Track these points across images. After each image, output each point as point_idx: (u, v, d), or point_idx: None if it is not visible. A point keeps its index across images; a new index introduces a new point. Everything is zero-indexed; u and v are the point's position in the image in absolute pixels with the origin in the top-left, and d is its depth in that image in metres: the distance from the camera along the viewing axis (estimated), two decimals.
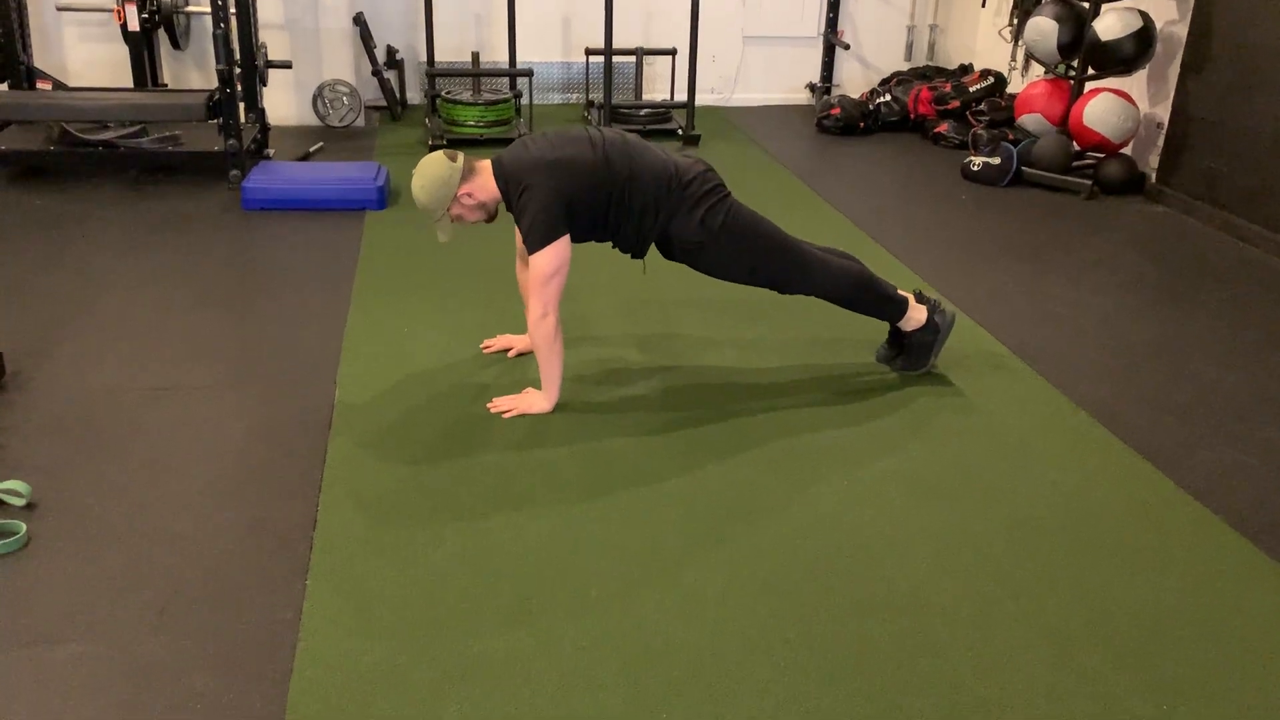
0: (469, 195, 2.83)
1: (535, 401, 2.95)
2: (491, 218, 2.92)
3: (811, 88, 7.12)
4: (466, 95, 5.85)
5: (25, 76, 5.04)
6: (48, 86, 5.22)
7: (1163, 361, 3.40)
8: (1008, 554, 2.40)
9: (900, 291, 3.21)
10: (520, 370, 3.20)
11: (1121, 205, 5.07)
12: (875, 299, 3.10)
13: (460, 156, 2.84)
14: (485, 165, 2.86)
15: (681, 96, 6.56)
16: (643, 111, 6.20)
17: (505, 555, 2.34)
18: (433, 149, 5.48)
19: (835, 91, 7.05)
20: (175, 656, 2.01)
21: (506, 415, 2.92)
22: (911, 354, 3.22)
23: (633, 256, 2.99)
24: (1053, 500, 2.61)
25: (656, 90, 6.87)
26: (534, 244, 2.77)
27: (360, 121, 6.17)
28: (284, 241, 4.26)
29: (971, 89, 6.13)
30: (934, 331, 3.16)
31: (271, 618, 2.11)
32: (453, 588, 2.22)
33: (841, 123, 6.33)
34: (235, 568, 2.27)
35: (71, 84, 5.62)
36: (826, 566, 2.33)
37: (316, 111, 6.08)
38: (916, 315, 3.16)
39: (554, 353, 2.87)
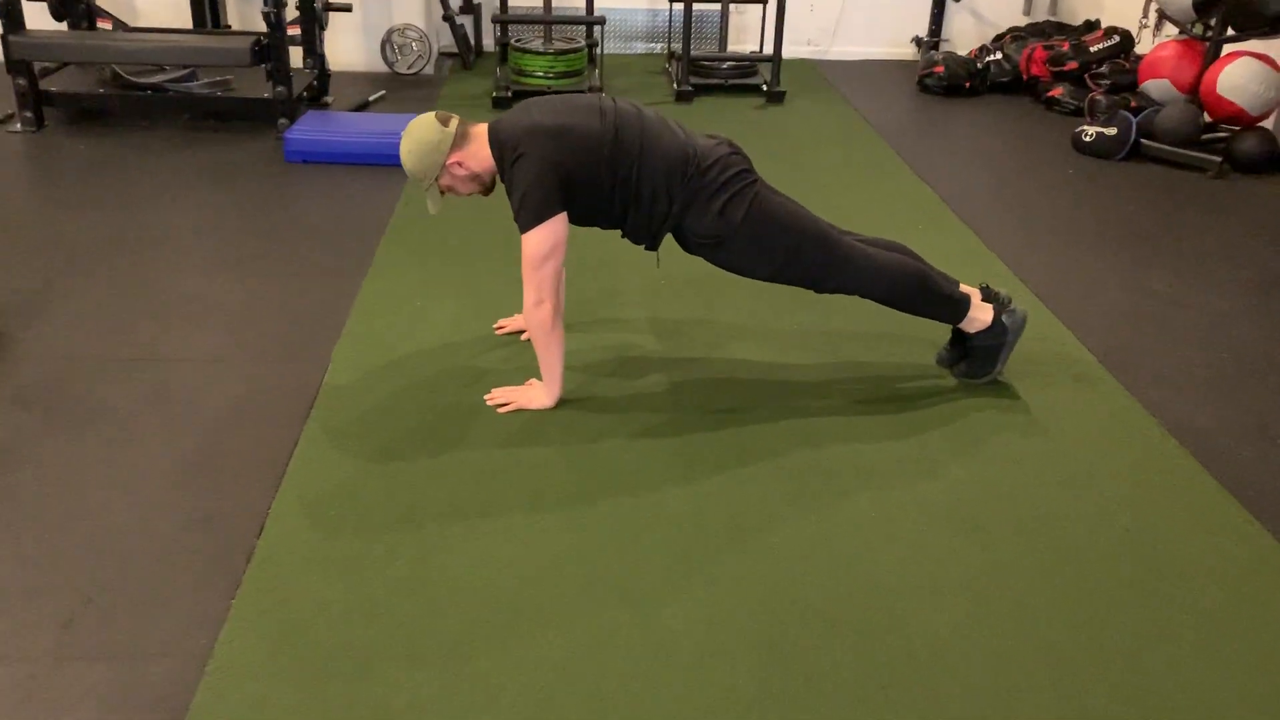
0: (460, 164, 2.52)
1: (535, 396, 2.64)
2: (488, 190, 2.61)
3: (917, 42, 6.57)
4: (538, 43, 5.52)
5: (84, 15, 4.92)
6: (108, 26, 5.10)
7: None
8: (1054, 616, 2.00)
9: (963, 288, 2.79)
10: (530, 356, 2.87)
11: (1255, 187, 4.45)
12: (929, 299, 2.69)
13: (454, 120, 2.53)
14: (481, 131, 2.54)
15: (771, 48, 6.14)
16: (725, 64, 5.77)
17: (462, 577, 2.05)
18: (496, 101, 5.22)
19: (944, 47, 6.48)
20: (64, 686, 1.79)
21: (502, 410, 2.62)
22: (974, 360, 2.80)
23: (646, 248, 2.65)
24: (1119, 552, 2.19)
25: (746, 42, 6.43)
26: (525, 221, 2.45)
27: (430, 69, 5.91)
28: (318, 197, 4.04)
29: (1092, 49, 5.51)
30: (1001, 335, 2.73)
31: (184, 644, 1.87)
32: (394, 615, 1.95)
33: (945, 82, 5.79)
34: (162, 577, 2.04)
35: (136, 24, 5.50)
36: (832, 617, 1.98)
37: (384, 58, 5.84)
38: (980, 316, 2.73)
39: (552, 343, 2.56)
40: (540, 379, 2.65)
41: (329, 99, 5.23)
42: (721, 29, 5.99)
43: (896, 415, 2.66)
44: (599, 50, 5.78)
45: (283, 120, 4.60)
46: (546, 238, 2.46)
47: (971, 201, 4.17)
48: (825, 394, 2.75)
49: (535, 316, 2.52)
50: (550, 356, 2.59)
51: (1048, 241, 3.81)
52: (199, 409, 2.59)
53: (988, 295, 2.83)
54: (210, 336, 2.95)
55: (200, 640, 1.88)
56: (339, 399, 2.65)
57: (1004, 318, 2.73)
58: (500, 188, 2.58)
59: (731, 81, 5.73)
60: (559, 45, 5.52)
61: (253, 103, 4.69)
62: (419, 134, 2.51)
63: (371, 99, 5.27)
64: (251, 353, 2.87)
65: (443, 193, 2.59)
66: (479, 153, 2.53)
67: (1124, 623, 1.99)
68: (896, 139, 4.97)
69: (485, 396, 2.67)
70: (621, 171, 2.49)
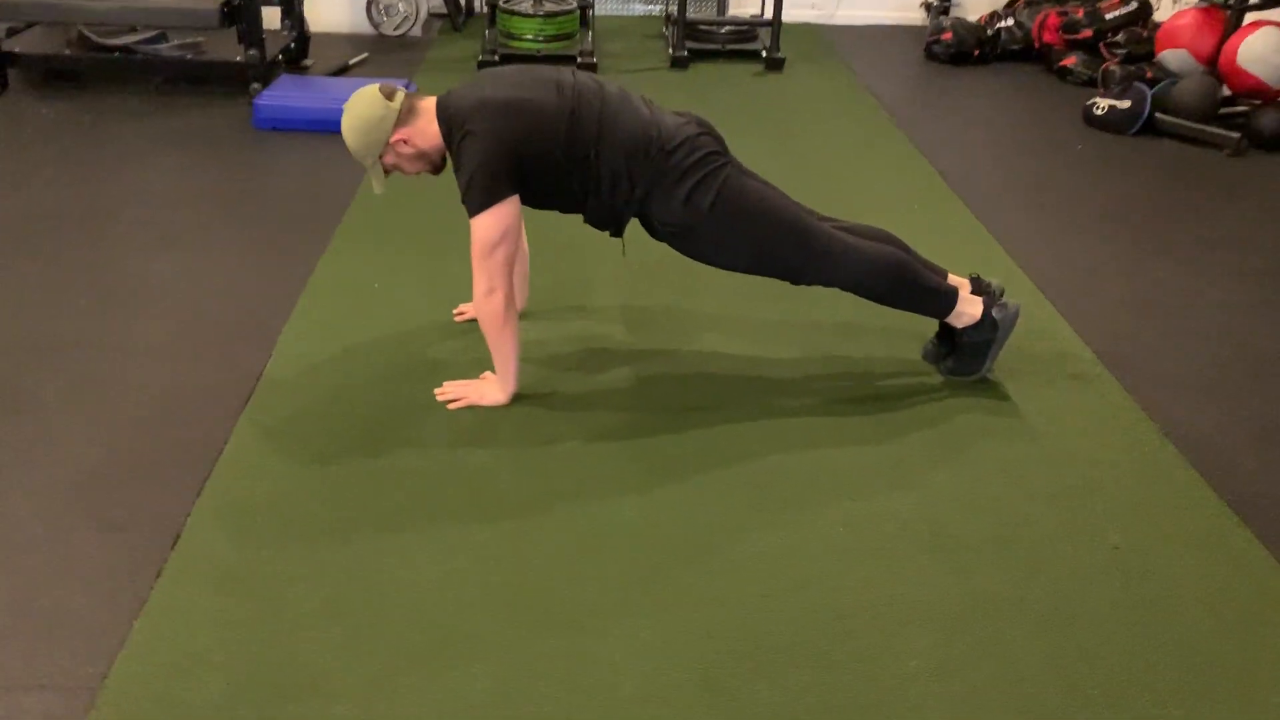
0: (405, 142, 2.33)
1: (488, 391, 2.47)
2: (437, 169, 2.42)
3: (927, 7, 6.29)
4: (527, 5, 5.29)
5: None
6: None
7: None
8: (1031, 651, 1.83)
9: (951, 279, 2.60)
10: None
11: (1274, 166, 4.21)
12: (914, 292, 2.50)
13: (399, 95, 2.33)
14: (429, 106, 2.35)
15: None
16: (724, 29, 5.53)
17: (389, 599, 1.89)
18: (482, 65, 5.00)
19: (954, 13, 6.20)
20: None
21: (453, 406, 2.45)
22: (962, 356, 2.61)
23: (610, 235, 2.46)
24: (1106, 575, 2.02)
25: (747, 5, 6.17)
26: (472, 205, 2.26)
27: (417, 31, 5.68)
28: (285, 167, 3.86)
29: (1108, 16, 5.24)
30: (990, 330, 2.54)
31: (73, 675, 1.72)
32: (311, 643, 1.80)
33: (953, 49, 5.53)
34: (60, 595, 1.88)
35: None
36: (789, 648, 1.82)
37: (370, 19, 5.62)
38: (969, 310, 2.54)
39: (505, 336, 2.38)
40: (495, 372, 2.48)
41: (309, 62, 5.02)
42: None
43: (875, 416, 2.48)
44: (591, 12, 5.54)
45: (255, 85, 4.40)
46: (496, 223, 2.27)
47: (971, 178, 3.95)
48: (800, 392, 2.57)
49: (486, 307, 2.34)
50: (504, 350, 2.41)
51: (1050, 224, 3.60)
52: (126, 403, 2.43)
53: (978, 287, 2.64)
54: (150, 322, 2.78)
55: (91, 670, 1.72)
56: (278, 393, 2.49)
57: (994, 312, 2.54)
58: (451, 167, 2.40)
59: (730, 47, 5.50)
60: (549, 7, 5.29)
61: (224, 66, 4.50)
62: (360, 109, 2.33)
63: (352, 62, 5.06)
64: (191, 339, 2.70)
65: (387, 172, 2.41)
66: (426, 129, 2.34)
67: (1107, 661, 1.82)
68: (897, 110, 4.74)
69: (436, 391, 2.50)
70: (578, 151, 2.30)
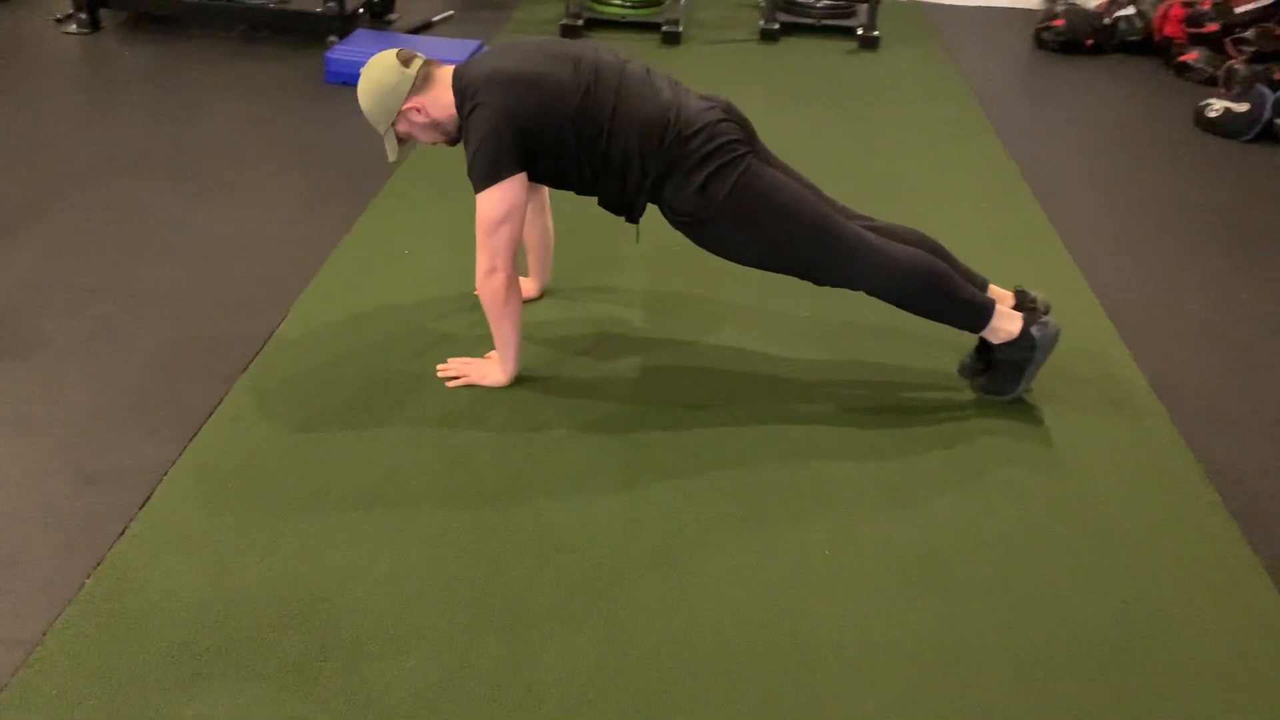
0: (419, 111, 2.26)
1: (489, 372, 2.41)
2: (453, 140, 2.34)
3: None
4: None
5: None
6: None
7: None
8: (1011, 702, 1.69)
9: (992, 290, 2.43)
10: None
11: None
12: (945, 302, 2.33)
13: (416, 61, 2.27)
14: (446, 74, 2.28)
15: None
16: (820, 3, 5.31)
17: (336, 580, 1.85)
18: (563, 29, 4.91)
19: None
20: None
21: (451, 384, 2.40)
22: (997, 374, 2.43)
23: (625, 220, 2.36)
24: (1110, 638, 1.84)
25: None
26: (477, 181, 2.19)
27: None
28: (345, 124, 3.83)
29: (1238, 10, 4.85)
30: (1028, 349, 2.36)
31: (16, 628, 1.73)
32: (248, 618, 1.77)
33: (1064, 38, 5.20)
34: (23, 543, 1.90)
35: None
36: (736, 676, 1.71)
37: None
38: (1006, 325, 2.36)
39: (506, 316, 2.31)
40: None
41: (394, 17, 5.01)
42: None
43: (889, 431, 2.33)
44: None
45: (332, 38, 4.41)
46: (500, 200, 2.20)
47: (1055, 178, 3.70)
48: (813, 397, 2.44)
49: (488, 286, 2.27)
50: (504, 331, 2.34)
51: (1130, 231, 3.34)
52: (136, 351, 2.45)
53: (1021, 301, 2.46)
54: (177, 271, 2.80)
55: (35, 625, 1.73)
56: (282, 354, 2.47)
57: (1033, 330, 2.35)
58: None
59: (825, 22, 5.28)
60: None
61: (305, 16, 4.51)
62: (376, 74, 2.27)
63: (436, 19, 5.03)
64: (214, 292, 2.71)
65: (401, 140, 2.35)
66: (441, 98, 2.27)
67: None
68: (990, 99, 4.48)
69: (438, 366, 2.45)
70: (589, 131, 2.20)
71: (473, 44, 4.23)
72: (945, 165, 3.77)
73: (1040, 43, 5.30)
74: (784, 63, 4.80)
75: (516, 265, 2.29)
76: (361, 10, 4.70)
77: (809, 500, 2.11)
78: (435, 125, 2.30)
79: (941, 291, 2.32)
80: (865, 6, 5.18)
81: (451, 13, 5.17)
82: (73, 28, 4.52)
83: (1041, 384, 2.46)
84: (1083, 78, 4.91)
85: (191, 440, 2.17)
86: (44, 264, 2.79)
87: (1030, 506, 2.13)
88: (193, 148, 3.55)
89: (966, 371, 2.52)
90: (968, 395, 2.47)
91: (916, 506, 2.11)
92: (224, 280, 2.76)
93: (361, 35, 4.35)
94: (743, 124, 2.30)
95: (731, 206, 2.21)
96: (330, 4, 4.39)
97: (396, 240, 3.01)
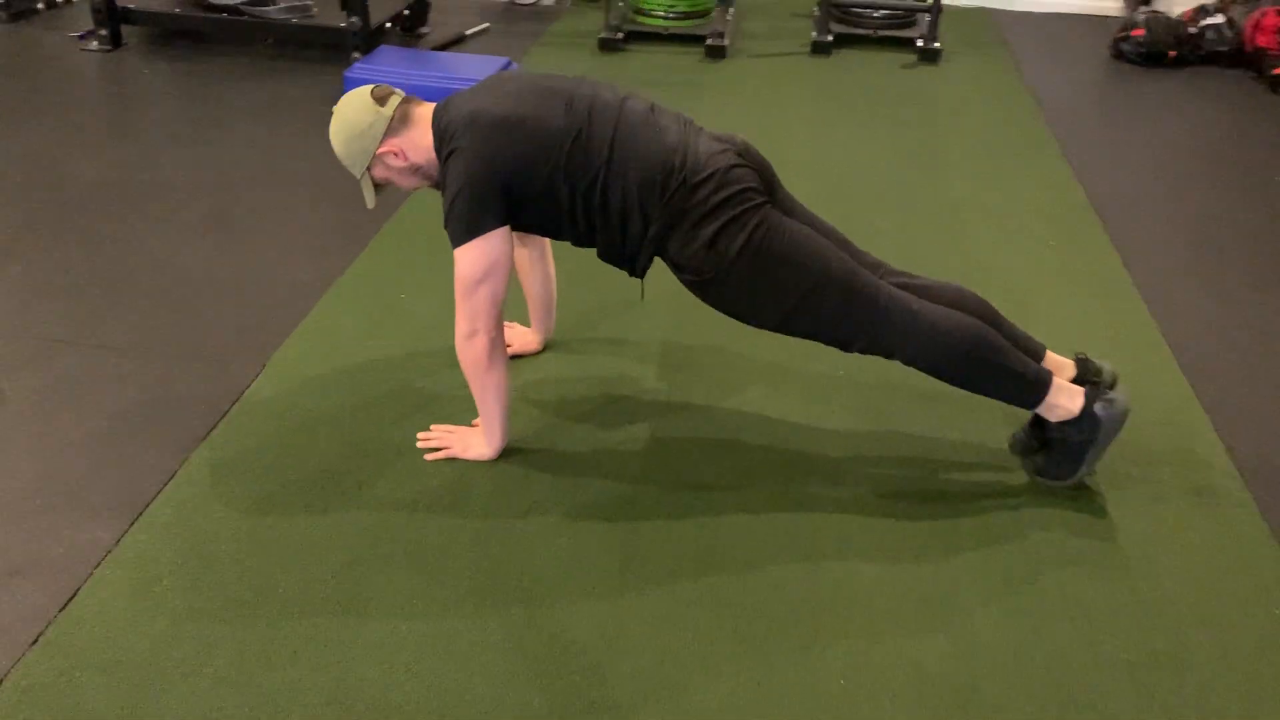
0: (396, 154, 2.01)
1: (473, 443, 2.15)
2: (437, 185, 2.08)
3: None
4: None
5: None
6: None
7: None
8: None
9: (1050, 359, 2.12)
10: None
11: None
12: (991, 374, 2.02)
13: (393, 99, 2.01)
14: (426, 114, 2.02)
15: None
16: (878, 12, 4.97)
17: (261, 711, 1.61)
18: (603, 44, 4.64)
19: (1158, 3, 5.42)
20: None
21: (430, 457, 2.15)
22: (1054, 456, 2.11)
23: (629, 274, 2.08)
24: None
25: None
26: (454, 235, 1.94)
27: (551, 0, 5.38)
28: None
29: None
30: (1091, 430, 2.03)
31: None
32: None
33: (1144, 48, 4.80)
34: None
35: None
36: None
37: None
38: (1064, 403, 2.04)
39: (490, 385, 2.05)
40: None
41: (426, 30, 4.79)
42: None
43: (926, 524, 2.02)
44: None
45: (355, 54, 4.20)
46: (480, 257, 1.94)
47: (1129, 209, 3.34)
48: (841, 478, 2.13)
49: (468, 352, 2.02)
50: (488, 401, 2.08)
51: (1216, 278, 2.97)
52: (93, 413, 2.23)
53: (1084, 372, 2.14)
54: (154, 317, 2.59)
55: None
56: (250, 418, 2.24)
57: (1097, 408, 2.02)
58: None
59: (882, 33, 4.94)
60: None
61: (329, 32, 4.31)
62: (347, 114, 2.02)
63: (469, 33, 4.80)
64: (189, 343, 2.49)
65: (379, 185, 2.10)
66: (420, 140, 2.02)
67: None
68: (1059, 116, 4.11)
69: (419, 435, 2.20)
70: (582, 181, 1.92)
71: (500, 61, 3.99)
72: (1004, 192, 3.43)
73: (1118, 53, 4.90)
74: (835, 77, 4.48)
75: (502, 326, 2.03)
76: (389, 25, 4.49)
77: (825, 612, 1.81)
78: (415, 170, 2.05)
79: (988, 362, 2.00)
80: (926, 16, 4.83)
81: (487, 26, 4.94)
82: (93, 45, 4.38)
83: (1108, 461, 2.14)
84: (1164, 93, 4.50)
85: (133, 524, 1.94)
86: (16, 307, 2.60)
87: (1090, 624, 1.81)
88: (194, 176, 3.35)
89: (1019, 448, 2.20)
90: (1019, 478, 2.15)
91: (953, 622, 1.80)
92: (201, 328, 2.55)
93: (385, 51, 4.14)
94: (760, 169, 2.02)
95: (745, 264, 1.92)
96: (353, 19, 4.18)
97: (393, 284, 2.77)
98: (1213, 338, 2.65)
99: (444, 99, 2.04)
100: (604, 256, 2.06)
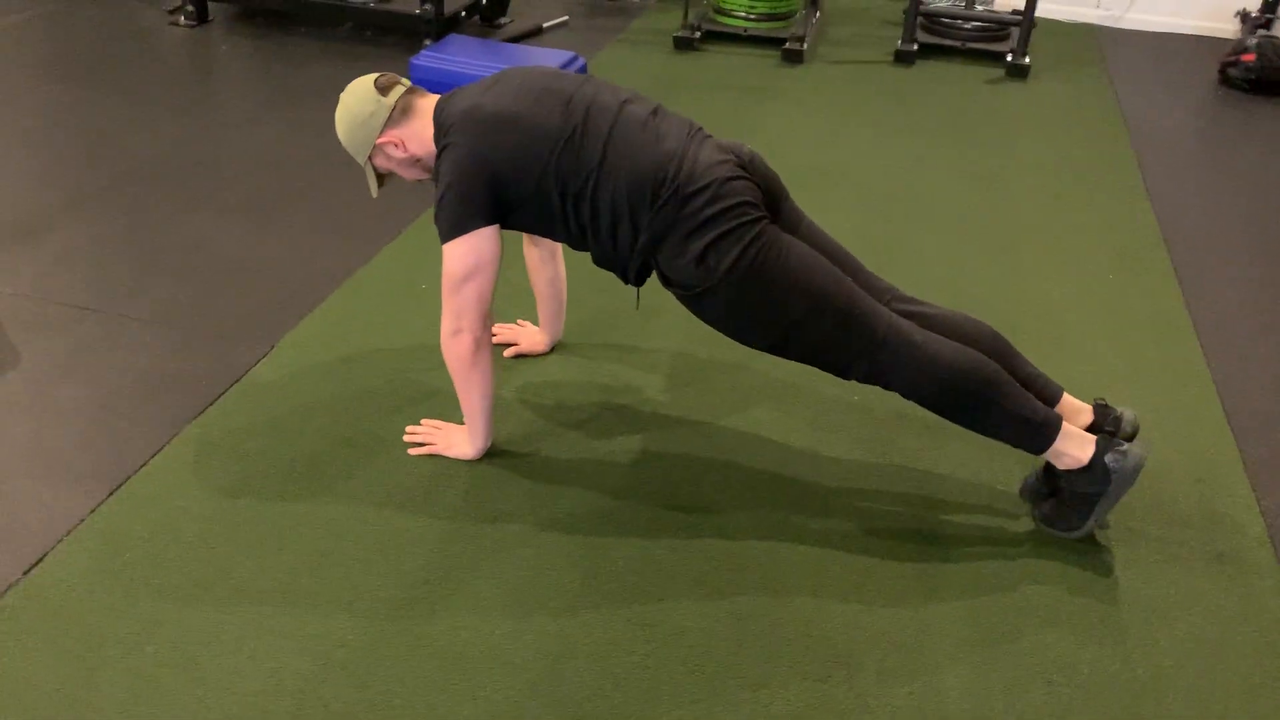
0: (396, 145, 1.99)
1: (458, 442, 2.12)
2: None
3: (1243, 18, 5.22)
4: None
5: None
6: None
7: None
8: None
9: (1066, 403, 2.00)
10: (511, 377, 2.36)
11: None
12: (994, 416, 1.89)
13: (397, 89, 1.99)
14: (428, 106, 1.99)
15: (1044, 6, 5.11)
16: (968, 25, 4.78)
17: (190, 695, 1.60)
18: (677, 42, 4.58)
19: (1277, 28, 5.10)
20: None
21: (414, 451, 2.13)
22: (1062, 505, 1.98)
23: (622, 281, 2.02)
24: None
25: None
26: (441, 230, 1.91)
27: None
28: None
29: None
30: (1101, 482, 1.90)
31: None
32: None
33: (1254, 75, 4.51)
34: None
35: None
36: None
37: None
38: (1073, 450, 1.91)
39: (473, 384, 2.02)
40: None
41: (505, 20, 4.80)
42: None
43: (915, 565, 1.91)
44: None
45: (427, 41, 4.22)
46: (466, 254, 1.90)
47: (1206, 250, 3.13)
48: (834, 509, 2.04)
49: (452, 350, 1.98)
50: (472, 400, 2.05)
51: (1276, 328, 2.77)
52: (102, 382, 2.28)
53: (1101, 419, 2.00)
54: (179, 292, 2.63)
55: None
56: (247, 398, 2.25)
57: (1108, 458, 1.89)
58: None
59: (971, 45, 4.75)
60: None
61: (404, 18, 4.35)
62: (350, 102, 2.01)
63: (547, 25, 4.79)
64: (207, 319, 2.52)
65: (381, 174, 2.08)
66: (422, 132, 1.99)
67: None
68: (1150, 145, 3.89)
69: (408, 429, 2.18)
70: (574, 184, 1.87)
71: (566, 55, 3.96)
72: (1070, 220, 3.25)
73: (1226, 79, 4.62)
74: (914, 89, 4.32)
75: (488, 325, 1.99)
76: (464, 14, 4.50)
77: (785, 650, 1.73)
78: (415, 162, 2.02)
79: (990, 401, 1.88)
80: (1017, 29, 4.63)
81: (566, 19, 4.92)
82: (180, 20, 4.50)
83: (1127, 516, 2.00)
84: (1270, 126, 4.22)
85: (111, 495, 1.96)
86: (51, 274, 2.67)
87: (1068, 692, 1.68)
88: (245, 155, 3.41)
89: (1029, 494, 2.07)
90: (1025, 525, 2.02)
91: (918, 675, 1.70)
92: (222, 306, 2.58)
93: (453, 40, 4.14)
94: (766, 181, 1.93)
95: (736, 282, 1.84)
96: (426, 6, 4.20)
97: (416, 274, 2.76)
98: (1270, 395, 2.46)
99: (449, 91, 2.01)
100: (598, 262, 2.00)
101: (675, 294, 1.92)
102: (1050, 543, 1.98)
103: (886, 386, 1.92)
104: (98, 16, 4.62)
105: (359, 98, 1.99)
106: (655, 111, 1.94)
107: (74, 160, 3.30)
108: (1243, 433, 2.31)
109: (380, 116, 1.98)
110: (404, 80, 2.03)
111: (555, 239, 2.01)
